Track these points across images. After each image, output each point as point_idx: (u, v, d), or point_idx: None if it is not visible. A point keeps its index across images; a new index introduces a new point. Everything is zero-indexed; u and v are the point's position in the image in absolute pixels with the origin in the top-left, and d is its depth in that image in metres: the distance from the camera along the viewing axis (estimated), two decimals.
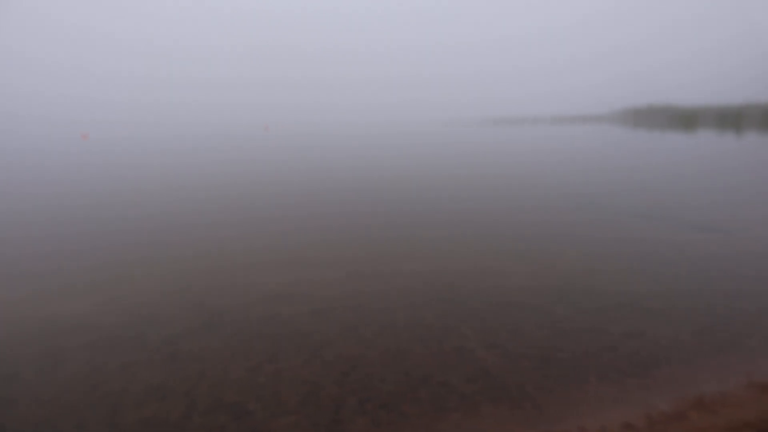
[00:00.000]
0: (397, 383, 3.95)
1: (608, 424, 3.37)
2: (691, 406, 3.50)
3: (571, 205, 10.84)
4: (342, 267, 6.91)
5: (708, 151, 25.26)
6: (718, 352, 4.34)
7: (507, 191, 13.52)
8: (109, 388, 3.97)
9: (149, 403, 3.77)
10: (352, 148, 34.96)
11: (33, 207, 12.37)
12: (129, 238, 8.83)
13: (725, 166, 18.81)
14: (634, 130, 45.03)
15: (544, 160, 23.53)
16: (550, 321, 4.95)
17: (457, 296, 5.63)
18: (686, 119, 49.24)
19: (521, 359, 4.24)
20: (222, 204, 12.37)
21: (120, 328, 5.07)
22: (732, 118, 44.09)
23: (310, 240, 8.53)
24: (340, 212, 10.95)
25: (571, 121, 67.79)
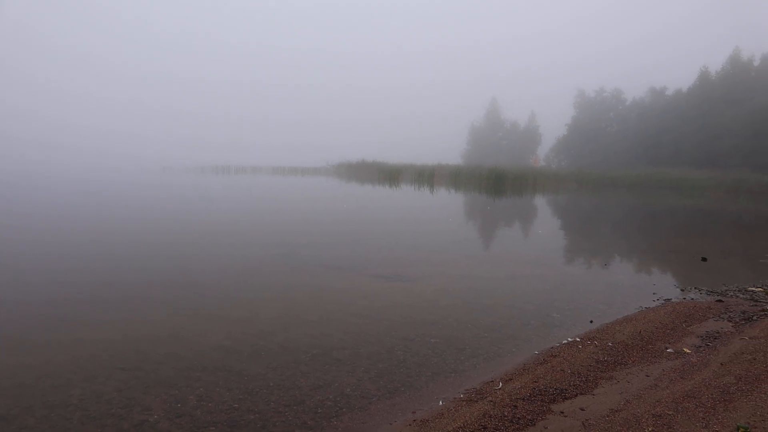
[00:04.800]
0: None
1: None
2: None
3: (271, 255, 11.09)
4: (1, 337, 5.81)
5: (407, 203, 28.95)
6: (392, 394, 4.84)
7: (206, 239, 13.29)
8: None
9: None
10: (51, 197, 30.64)
11: None
12: None
13: (421, 218, 21.74)
14: (347, 183, 49.25)
15: (256, 207, 23.96)
16: (243, 381, 4.91)
17: (145, 363, 5.20)
18: (392, 174, 55.97)
19: (208, 427, 4.09)
20: None
21: None
22: (427, 176, 51.66)
23: None
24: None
25: (291, 172, 70.90)
